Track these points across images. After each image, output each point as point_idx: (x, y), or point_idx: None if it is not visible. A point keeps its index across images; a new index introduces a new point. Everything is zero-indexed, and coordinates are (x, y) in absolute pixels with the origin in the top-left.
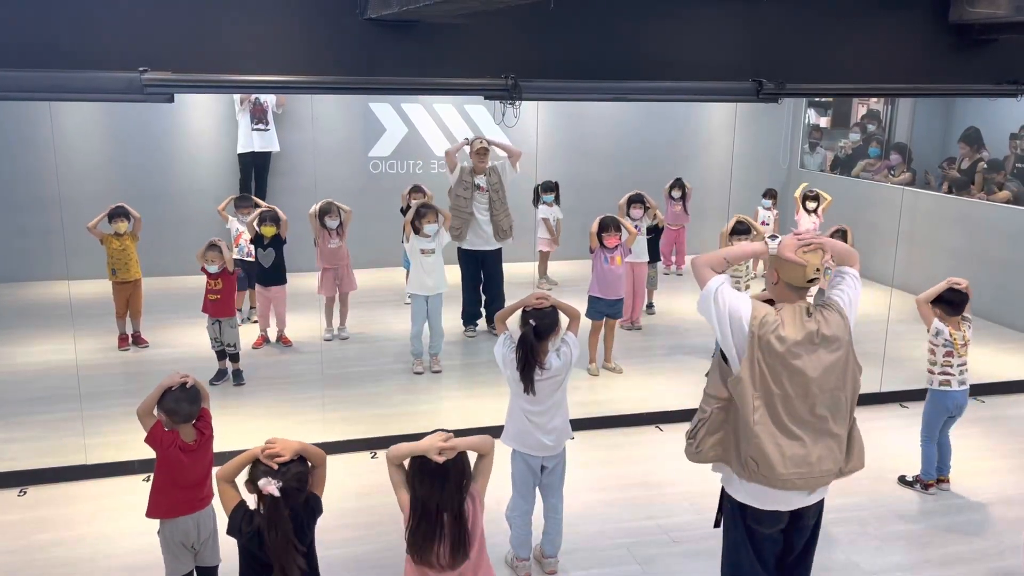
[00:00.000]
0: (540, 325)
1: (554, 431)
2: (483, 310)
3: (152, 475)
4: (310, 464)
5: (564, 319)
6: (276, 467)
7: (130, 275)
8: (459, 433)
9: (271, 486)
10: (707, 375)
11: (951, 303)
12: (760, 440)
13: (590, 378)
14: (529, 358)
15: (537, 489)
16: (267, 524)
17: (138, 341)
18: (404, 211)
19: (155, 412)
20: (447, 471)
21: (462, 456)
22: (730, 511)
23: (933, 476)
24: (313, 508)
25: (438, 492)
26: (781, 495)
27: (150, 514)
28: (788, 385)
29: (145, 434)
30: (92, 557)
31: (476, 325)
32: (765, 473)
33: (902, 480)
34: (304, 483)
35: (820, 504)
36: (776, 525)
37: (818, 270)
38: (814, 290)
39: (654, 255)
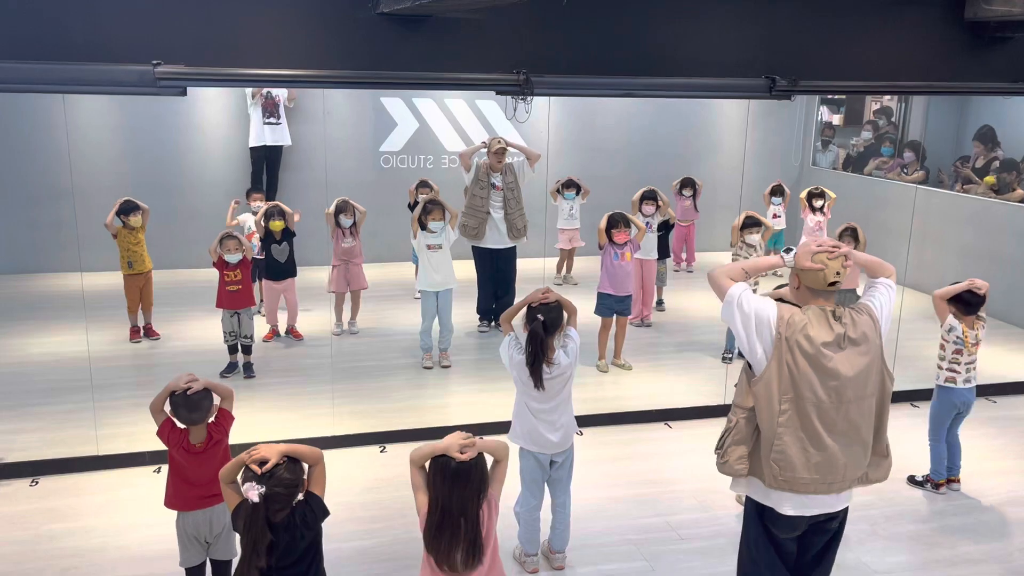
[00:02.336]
0: (548, 319)
1: (561, 428)
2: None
3: (162, 467)
4: (306, 465)
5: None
6: (259, 472)
7: (145, 266)
8: (469, 428)
9: (253, 491)
10: (736, 386)
11: (968, 303)
12: (784, 442)
13: (599, 374)
14: (539, 352)
15: (545, 485)
16: (244, 527)
17: (149, 333)
18: (412, 207)
19: (165, 409)
20: (468, 472)
21: (481, 458)
22: (749, 509)
23: (943, 475)
24: (315, 510)
25: (458, 494)
26: (802, 499)
27: (167, 504)
28: (821, 391)
29: (157, 427)
30: (102, 547)
31: (492, 320)
32: (787, 477)
33: (911, 480)
34: (293, 488)
35: (845, 510)
36: (792, 532)
37: (838, 274)
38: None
39: (664, 251)
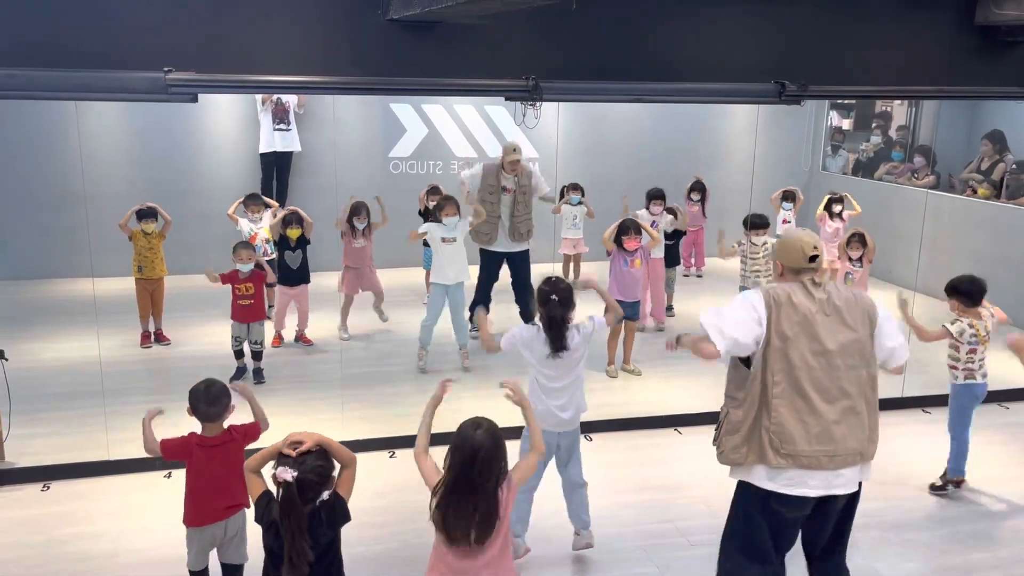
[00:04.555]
0: (560, 297)
1: (571, 406)
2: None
3: (173, 472)
4: (337, 464)
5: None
6: (294, 455)
7: (155, 273)
8: None
9: (286, 473)
10: (727, 378)
11: (968, 294)
12: (780, 414)
13: (608, 380)
14: (560, 330)
15: (546, 471)
16: (280, 513)
17: (160, 338)
18: (422, 212)
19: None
20: (486, 449)
21: (500, 437)
22: (752, 499)
23: (963, 471)
24: (338, 511)
25: (478, 469)
26: (807, 476)
27: (186, 522)
28: (811, 357)
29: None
30: (113, 552)
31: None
32: (788, 451)
33: (933, 489)
34: (324, 478)
35: (855, 494)
36: (802, 509)
37: (816, 248)
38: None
39: (674, 259)
